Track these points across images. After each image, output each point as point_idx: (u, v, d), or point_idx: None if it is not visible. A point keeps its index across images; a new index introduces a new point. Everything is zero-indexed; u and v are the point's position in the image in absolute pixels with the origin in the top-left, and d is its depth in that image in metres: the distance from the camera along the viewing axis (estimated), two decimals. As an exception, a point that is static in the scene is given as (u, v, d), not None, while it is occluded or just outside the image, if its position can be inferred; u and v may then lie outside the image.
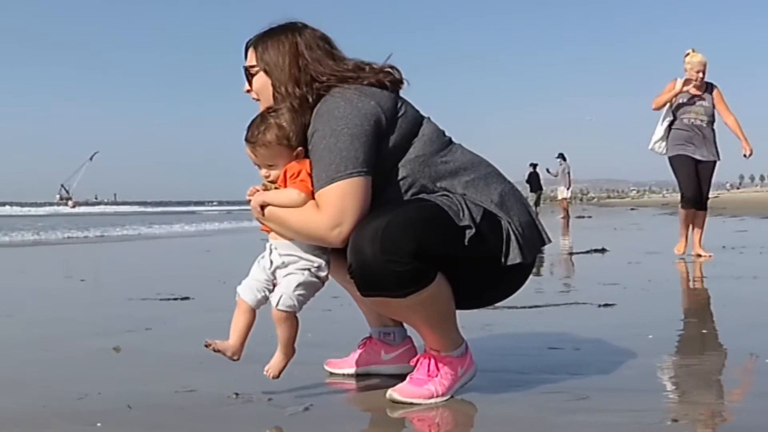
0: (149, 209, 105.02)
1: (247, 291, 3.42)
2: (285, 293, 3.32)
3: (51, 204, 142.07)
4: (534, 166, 34.59)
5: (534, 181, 33.82)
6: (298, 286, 3.32)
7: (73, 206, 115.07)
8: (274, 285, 3.41)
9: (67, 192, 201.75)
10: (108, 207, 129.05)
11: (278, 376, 3.39)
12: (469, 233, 3.21)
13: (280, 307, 3.31)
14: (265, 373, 3.37)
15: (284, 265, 3.36)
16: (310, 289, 3.37)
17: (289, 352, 3.40)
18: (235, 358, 3.44)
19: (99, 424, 3.10)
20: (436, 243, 3.16)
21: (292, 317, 3.36)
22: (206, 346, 3.43)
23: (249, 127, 3.41)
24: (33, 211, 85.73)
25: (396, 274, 3.09)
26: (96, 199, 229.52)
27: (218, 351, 3.43)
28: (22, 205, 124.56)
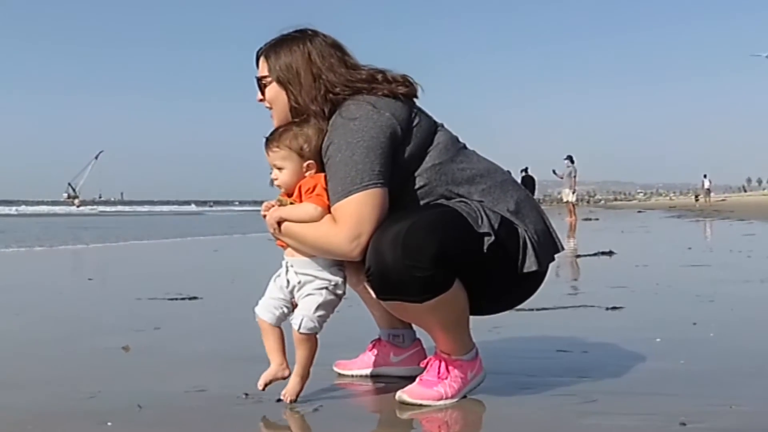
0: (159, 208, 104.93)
1: (265, 311, 3.40)
2: (306, 316, 3.31)
3: (58, 203, 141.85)
4: (525, 170, 34.38)
5: (527, 185, 33.51)
6: (318, 307, 3.32)
7: (79, 205, 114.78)
8: (293, 304, 3.41)
9: (74, 191, 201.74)
10: (115, 207, 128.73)
11: (296, 400, 3.36)
12: (488, 240, 3.22)
13: (302, 330, 3.31)
14: (282, 397, 3.34)
15: (301, 285, 3.36)
16: (329, 307, 3.37)
17: (306, 374, 3.38)
18: (286, 374, 3.42)
19: (109, 424, 3.12)
20: (456, 249, 3.17)
21: (313, 338, 3.36)
22: (262, 390, 3.42)
23: (275, 129, 3.45)
24: (32, 210, 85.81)
25: (416, 280, 3.10)
26: (100, 197, 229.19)
27: (269, 383, 3.41)
28: (29, 203, 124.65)
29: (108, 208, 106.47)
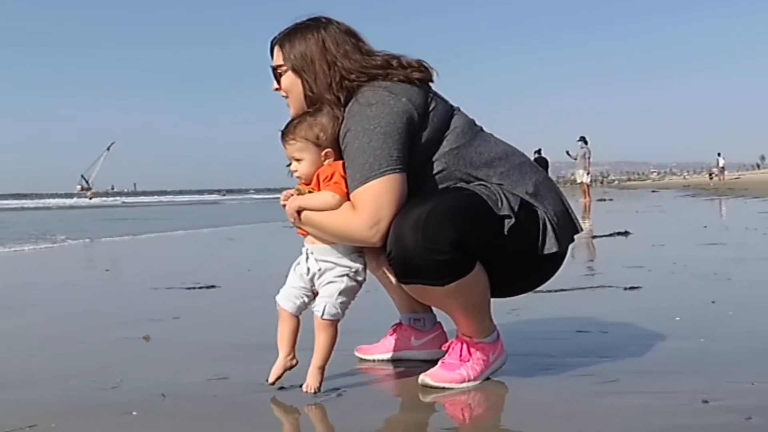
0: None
1: (286, 300, 3.41)
2: (329, 302, 3.31)
3: (71, 195, 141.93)
4: (538, 151, 34.23)
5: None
6: (340, 293, 3.32)
7: (91, 197, 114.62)
8: (313, 292, 3.42)
9: (87, 182, 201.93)
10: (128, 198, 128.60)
11: (320, 390, 3.35)
12: (508, 223, 3.22)
13: (325, 316, 3.31)
14: (305, 390, 3.34)
15: (321, 272, 3.37)
16: (350, 294, 3.37)
17: (325, 364, 3.37)
18: (294, 364, 3.43)
19: (134, 413, 3.14)
20: (476, 232, 3.17)
21: (334, 325, 3.36)
22: (271, 384, 3.42)
23: (289, 121, 3.45)
24: (55, 202, 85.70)
25: (437, 263, 3.10)
26: (113, 189, 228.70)
27: (280, 377, 3.42)
28: (42, 196, 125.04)
29: (128, 199, 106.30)
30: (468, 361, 3.38)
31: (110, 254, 14.24)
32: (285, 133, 3.40)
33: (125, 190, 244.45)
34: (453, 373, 3.37)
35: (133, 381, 3.70)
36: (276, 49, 3.54)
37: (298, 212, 3.34)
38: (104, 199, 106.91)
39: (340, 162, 3.32)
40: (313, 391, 3.33)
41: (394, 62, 3.42)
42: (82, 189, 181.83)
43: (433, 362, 3.48)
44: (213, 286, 7.33)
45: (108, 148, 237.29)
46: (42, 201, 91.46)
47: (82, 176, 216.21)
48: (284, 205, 3.42)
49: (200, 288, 7.26)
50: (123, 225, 25.06)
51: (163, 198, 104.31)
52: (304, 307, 3.42)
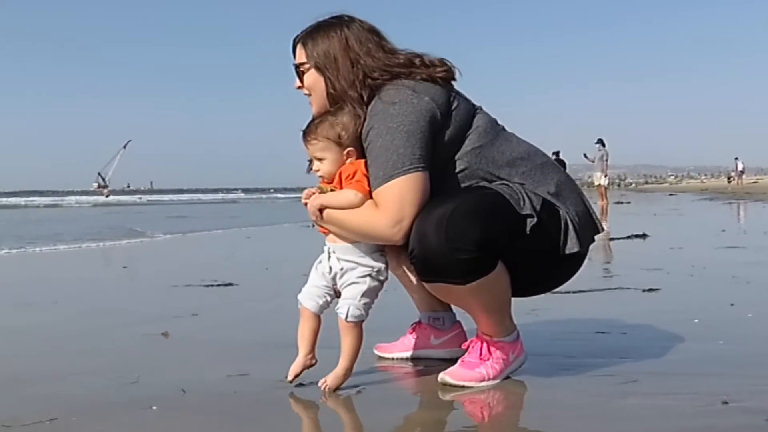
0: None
1: (308, 299, 3.42)
2: (352, 304, 3.32)
3: (88, 193, 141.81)
4: (557, 153, 34.11)
5: None
6: (363, 295, 3.33)
7: (107, 195, 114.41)
8: (335, 290, 3.42)
9: (104, 180, 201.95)
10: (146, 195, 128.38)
11: (335, 391, 3.35)
12: (530, 222, 3.22)
13: (349, 319, 3.32)
14: (320, 385, 3.35)
15: (343, 271, 3.37)
16: (373, 294, 3.38)
17: (351, 366, 3.38)
18: (313, 363, 3.44)
19: (154, 408, 3.16)
20: (499, 231, 3.17)
21: (359, 327, 3.36)
22: (290, 382, 3.42)
23: (311, 121, 3.45)
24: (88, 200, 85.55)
25: (460, 262, 3.11)
26: (128, 187, 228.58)
27: (298, 374, 3.43)
28: (59, 194, 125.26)
29: (151, 197, 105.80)
30: (488, 360, 3.38)
31: (129, 254, 14.22)
32: (306, 133, 3.41)
33: (142, 188, 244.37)
34: (472, 371, 3.37)
35: (153, 377, 3.73)
36: (299, 47, 3.55)
37: (320, 210, 3.35)
38: (121, 196, 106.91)
39: (362, 160, 3.32)
40: (329, 388, 3.33)
41: (417, 61, 3.42)
42: (99, 186, 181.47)
43: (453, 361, 3.49)
44: (231, 284, 7.35)
45: (124, 146, 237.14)
46: (62, 198, 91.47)
47: (99, 174, 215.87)
48: (306, 204, 3.43)
49: (218, 286, 7.28)
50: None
51: (183, 196, 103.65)
52: (326, 306, 3.43)
